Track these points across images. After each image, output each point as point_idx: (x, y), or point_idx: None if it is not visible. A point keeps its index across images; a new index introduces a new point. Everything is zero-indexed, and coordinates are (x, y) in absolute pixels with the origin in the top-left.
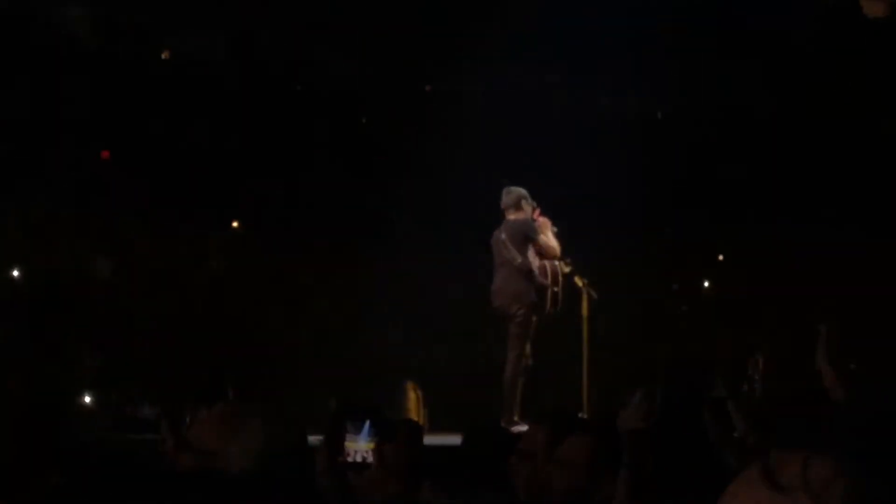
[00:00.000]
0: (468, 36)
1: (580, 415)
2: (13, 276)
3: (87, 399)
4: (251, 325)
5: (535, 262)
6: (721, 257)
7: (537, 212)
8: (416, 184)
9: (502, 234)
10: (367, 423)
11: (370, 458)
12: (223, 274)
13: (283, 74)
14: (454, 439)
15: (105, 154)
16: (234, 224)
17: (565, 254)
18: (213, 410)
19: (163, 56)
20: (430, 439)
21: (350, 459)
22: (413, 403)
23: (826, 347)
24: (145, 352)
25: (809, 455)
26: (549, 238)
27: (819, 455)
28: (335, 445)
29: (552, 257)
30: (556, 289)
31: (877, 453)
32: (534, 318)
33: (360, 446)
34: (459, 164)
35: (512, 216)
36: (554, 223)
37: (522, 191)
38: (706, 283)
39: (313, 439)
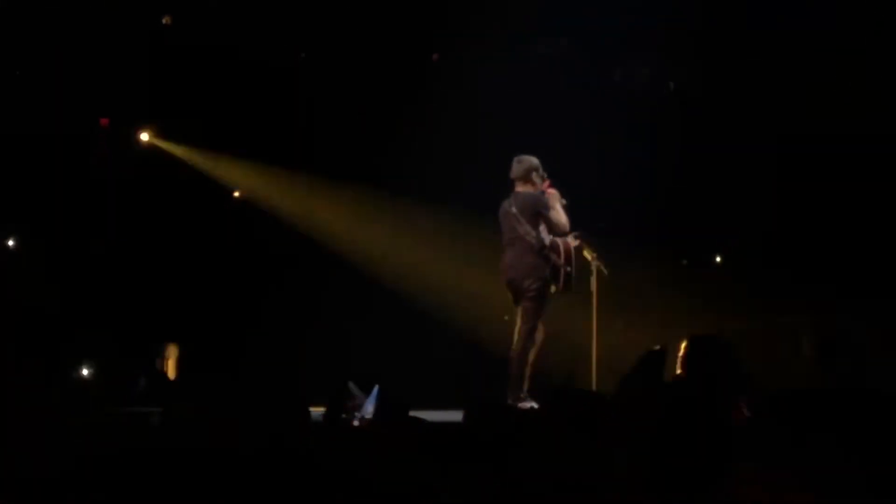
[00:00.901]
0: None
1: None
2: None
3: (85, 372)
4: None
5: (546, 238)
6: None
7: (547, 183)
8: (421, 155)
9: (512, 208)
10: (376, 389)
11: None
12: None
13: (285, 47)
14: (456, 415)
15: (104, 122)
16: (236, 194)
17: (573, 227)
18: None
19: (164, 21)
20: (431, 415)
21: (357, 424)
22: None
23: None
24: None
25: None
26: (559, 212)
27: None
28: (336, 406)
29: (561, 233)
30: (568, 268)
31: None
32: (548, 291)
33: (368, 410)
34: (467, 134)
35: (521, 188)
36: (563, 195)
37: (534, 161)
38: (717, 258)
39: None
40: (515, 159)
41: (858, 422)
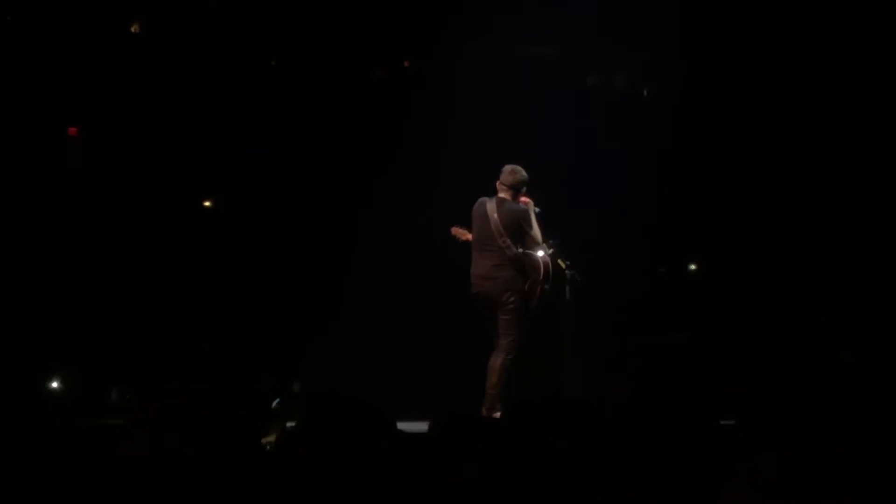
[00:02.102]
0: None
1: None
2: None
3: (55, 384)
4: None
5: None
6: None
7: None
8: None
9: (494, 214)
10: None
11: None
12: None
13: (259, 48)
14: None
15: (72, 131)
16: (206, 203)
17: (546, 236)
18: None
19: (132, 29)
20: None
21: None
22: None
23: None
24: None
25: None
26: (535, 225)
27: None
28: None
29: (536, 244)
30: (546, 286)
31: None
32: (525, 303)
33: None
34: (442, 141)
35: (506, 195)
36: (536, 204)
37: (527, 177)
38: (692, 266)
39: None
40: (510, 168)
41: (848, 426)
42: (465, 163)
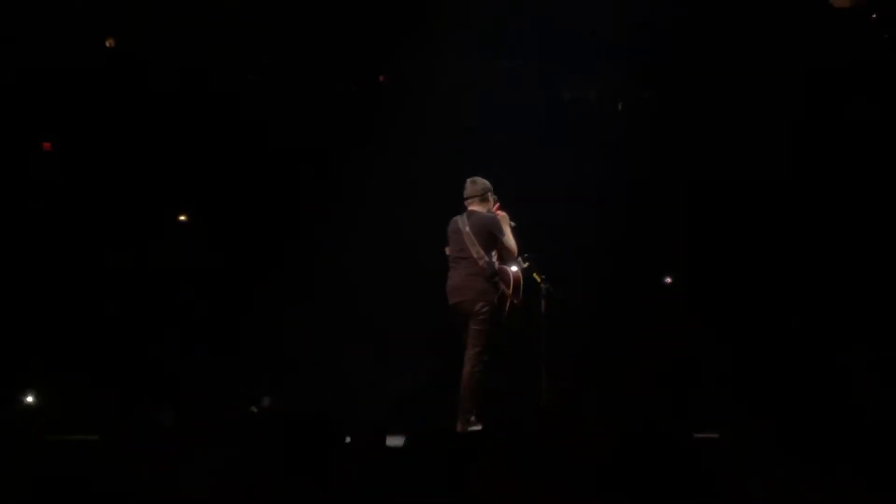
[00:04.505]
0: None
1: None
2: None
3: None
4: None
5: (496, 263)
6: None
7: (496, 205)
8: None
9: (466, 227)
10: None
11: None
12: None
13: (239, 68)
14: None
15: (46, 145)
16: (181, 217)
17: (522, 249)
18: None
19: (107, 44)
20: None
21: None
22: None
23: None
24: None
25: None
26: (509, 234)
27: None
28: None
29: (511, 256)
30: (515, 300)
31: None
32: (497, 316)
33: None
34: (415, 154)
35: (475, 207)
36: (512, 217)
37: (488, 183)
38: (668, 280)
39: None
40: (470, 180)
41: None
42: (437, 178)
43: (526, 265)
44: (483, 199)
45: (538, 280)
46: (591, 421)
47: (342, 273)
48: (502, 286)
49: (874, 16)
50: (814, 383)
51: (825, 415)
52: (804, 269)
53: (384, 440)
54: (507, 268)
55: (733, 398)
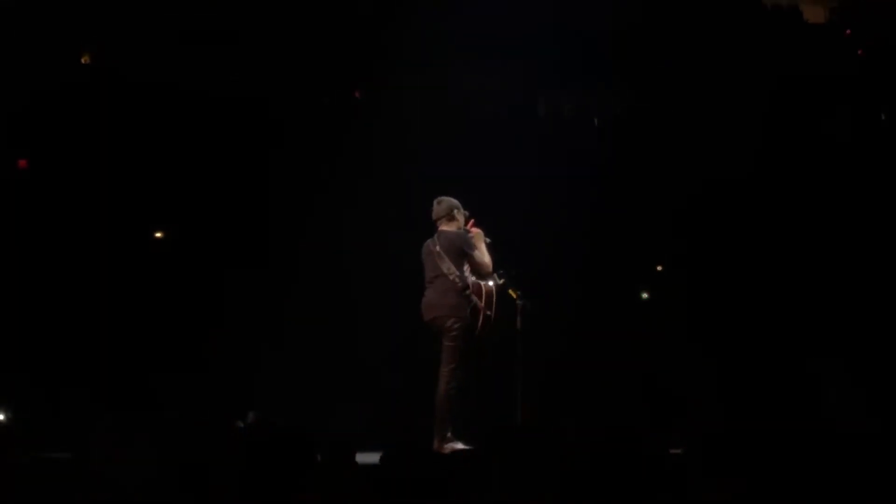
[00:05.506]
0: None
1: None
2: None
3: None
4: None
5: (469, 278)
6: (659, 267)
7: (471, 222)
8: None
9: (437, 247)
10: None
11: None
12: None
13: (209, 81)
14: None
15: (22, 163)
16: (158, 234)
17: (497, 266)
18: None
19: (83, 60)
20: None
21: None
22: None
23: None
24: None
25: None
26: (483, 252)
27: None
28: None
29: (485, 272)
30: (488, 312)
31: None
32: (470, 333)
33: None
34: (389, 171)
35: (445, 227)
36: (487, 234)
37: (454, 201)
38: (644, 295)
39: None
40: (436, 200)
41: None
42: (412, 195)
43: (501, 281)
44: (450, 217)
45: (514, 296)
46: (568, 435)
47: (318, 289)
48: (475, 299)
49: (847, 31)
50: (785, 394)
51: (795, 427)
52: (777, 281)
53: (354, 457)
54: (480, 282)
55: (705, 410)
